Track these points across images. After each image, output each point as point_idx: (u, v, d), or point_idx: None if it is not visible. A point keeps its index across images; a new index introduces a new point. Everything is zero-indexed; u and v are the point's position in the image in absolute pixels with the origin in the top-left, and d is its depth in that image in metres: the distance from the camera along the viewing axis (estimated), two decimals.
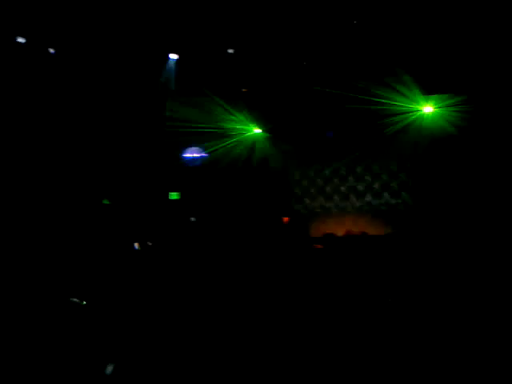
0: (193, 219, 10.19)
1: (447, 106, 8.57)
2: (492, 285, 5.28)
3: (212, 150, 10.55)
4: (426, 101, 8.71)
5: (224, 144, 10.40)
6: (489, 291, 5.07)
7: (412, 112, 8.89)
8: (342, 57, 8.74)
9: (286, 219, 8.65)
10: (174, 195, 10.51)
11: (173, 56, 9.93)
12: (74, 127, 9.65)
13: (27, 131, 9.21)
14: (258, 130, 10.53)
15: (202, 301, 5.80)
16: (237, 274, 7.04)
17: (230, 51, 9.75)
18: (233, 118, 10.23)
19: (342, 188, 10.01)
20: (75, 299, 5.55)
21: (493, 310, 4.54)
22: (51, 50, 9.03)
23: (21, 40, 8.66)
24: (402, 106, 8.83)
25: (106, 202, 9.96)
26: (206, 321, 5.06)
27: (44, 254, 7.77)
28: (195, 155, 10.69)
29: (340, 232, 9.50)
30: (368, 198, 9.77)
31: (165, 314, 5.44)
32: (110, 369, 4.17)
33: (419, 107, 8.83)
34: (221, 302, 5.72)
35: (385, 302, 5.07)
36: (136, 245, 7.77)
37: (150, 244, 8.39)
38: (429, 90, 8.53)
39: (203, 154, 10.67)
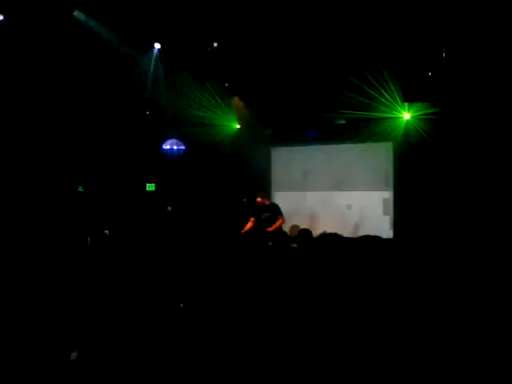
0: (169, 208, 10.09)
1: (426, 114, 8.74)
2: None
3: (191, 142, 10.51)
4: (406, 108, 8.87)
5: (204, 137, 10.35)
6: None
7: (392, 118, 9.04)
8: (325, 60, 8.84)
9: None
10: (150, 186, 10.45)
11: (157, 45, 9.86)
12: (50, 115, 9.45)
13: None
14: (238, 126, 10.57)
15: (175, 296, 5.77)
16: (211, 270, 7.03)
17: (215, 45, 9.72)
18: (216, 110, 10.24)
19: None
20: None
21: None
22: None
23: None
24: (382, 112, 8.99)
25: (80, 189, 9.84)
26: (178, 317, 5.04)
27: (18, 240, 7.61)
28: (174, 147, 10.61)
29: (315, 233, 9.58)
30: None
31: (139, 307, 5.39)
32: (74, 355, 4.10)
33: (399, 114, 8.99)
34: (193, 299, 5.70)
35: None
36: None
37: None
38: (409, 97, 8.67)
39: (182, 147, 10.61)
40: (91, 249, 7.68)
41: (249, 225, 8.14)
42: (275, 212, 8.13)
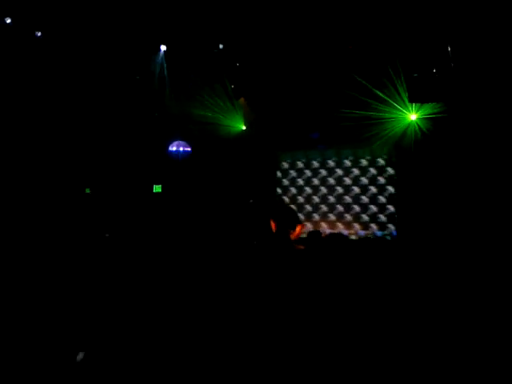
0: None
1: (431, 114, 8.70)
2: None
3: (197, 143, 10.54)
4: (413, 109, 8.82)
5: (210, 138, 10.38)
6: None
7: (397, 119, 9.01)
8: (333, 63, 8.84)
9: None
10: (157, 188, 10.50)
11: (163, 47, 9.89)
12: (58, 117, 9.52)
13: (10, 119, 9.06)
14: (244, 127, 10.58)
15: (181, 298, 5.78)
16: (216, 272, 7.03)
17: (221, 46, 9.72)
18: (222, 112, 10.27)
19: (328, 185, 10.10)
20: None
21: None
22: (38, 33, 8.85)
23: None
24: (387, 113, 8.96)
25: (87, 191, 9.89)
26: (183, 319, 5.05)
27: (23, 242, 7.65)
28: (180, 149, 10.65)
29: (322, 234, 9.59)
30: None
31: (146, 308, 5.41)
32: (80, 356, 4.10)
33: (406, 115, 8.95)
34: (197, 300, 5.71)
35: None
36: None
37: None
38: (415, 98, 8.62)
39: (187, 148, 10.64)
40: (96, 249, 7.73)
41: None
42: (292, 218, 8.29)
